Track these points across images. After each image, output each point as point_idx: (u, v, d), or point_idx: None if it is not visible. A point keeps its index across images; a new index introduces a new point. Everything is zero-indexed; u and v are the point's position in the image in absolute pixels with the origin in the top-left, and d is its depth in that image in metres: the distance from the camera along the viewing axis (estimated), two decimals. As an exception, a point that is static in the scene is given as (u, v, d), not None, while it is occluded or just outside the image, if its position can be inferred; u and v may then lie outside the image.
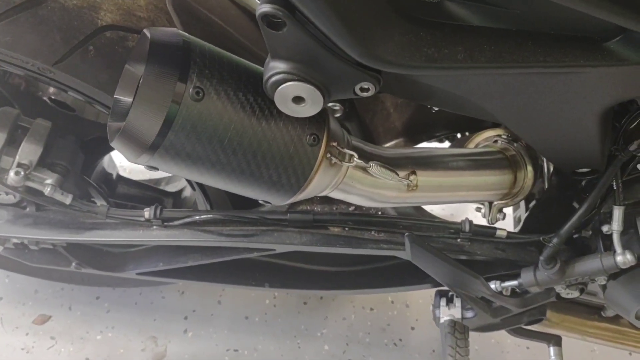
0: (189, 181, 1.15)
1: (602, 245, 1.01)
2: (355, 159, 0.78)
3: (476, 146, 1.08)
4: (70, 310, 1.61)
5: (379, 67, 0.64)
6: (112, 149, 1.28)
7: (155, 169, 0.73)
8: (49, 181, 1.05)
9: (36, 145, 1.05)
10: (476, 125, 1.27)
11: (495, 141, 1.06)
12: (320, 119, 0.74)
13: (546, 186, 1.08)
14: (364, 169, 0.81)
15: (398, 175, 0.82)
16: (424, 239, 1.01)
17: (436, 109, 1.09)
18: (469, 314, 1.13)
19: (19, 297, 1.62)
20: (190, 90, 0.66)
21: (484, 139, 1.08)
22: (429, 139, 1.34)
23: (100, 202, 1.17)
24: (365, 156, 0.81)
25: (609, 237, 1.00)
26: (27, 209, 1.14)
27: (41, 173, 1.05)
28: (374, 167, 0.80)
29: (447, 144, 1.35)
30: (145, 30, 0.70)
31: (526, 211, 1.18)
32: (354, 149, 0.81)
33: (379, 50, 0.62)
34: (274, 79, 0.65)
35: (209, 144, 0.69)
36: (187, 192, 1.44)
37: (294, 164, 0.74)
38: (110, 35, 0.90)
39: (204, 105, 0.67)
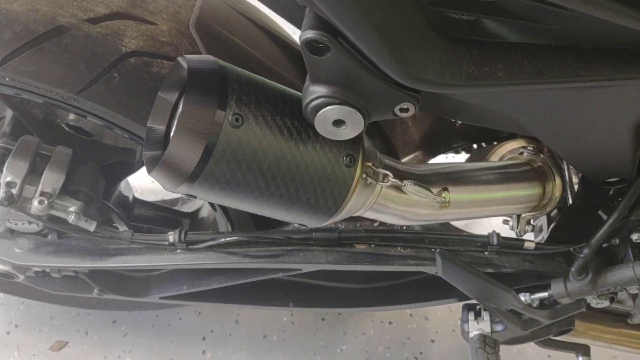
0: (210, 202, 1.14)
1: (632, 254, 1.01)
2: (390, 178, 0.78)
3: (501, 158, 1.07)
4: (86, 335, 1.59)
5: (420, 88, 0.64)
6: (130, 172, 1.27)
7: (194, 197, 0.73)
8: (72, 209, 1.04)
9: (58, 173, 1.04)
10: (493, 136, 1.27)
11: (521, 153, 1.05)
12: (355, 139, 0.74)
13: (570, 197, 1.08)
14: (398, 188, 0.80)
15: (432, 192, 0.82)
16: (453, 254, 1.01)
17: (460, 122, 1.09)
18: (499, 327, 1.12)
19: (34, 324, 1.60)
20: (230, 117, 0.66)
21: (509, 151, 1.07)
22: (446, 150, 1.34)
23: (122, 227, 1.16)
24: (399, 175, 0.81)
25: (638, 245, 1.00)
26: (49, 236, 1.13)
27: (64, 201, 1.04)
28: (409, 186, 0.79)
29: (463, 154, 1.35)
30: (179, 59, 0.70)
31: (547, 220, 1.18)
32: (387, 167, 0.80)
33: (420, 71, 0.62)
34: (314, 103, 0.65)
35: (248, 170, 0.69)
36: (205, 212, 1.43)
37: (332, 186, 0.73)
38: (135, 61, 0.90)
39: (243, 131, 0.67)
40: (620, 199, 0.96)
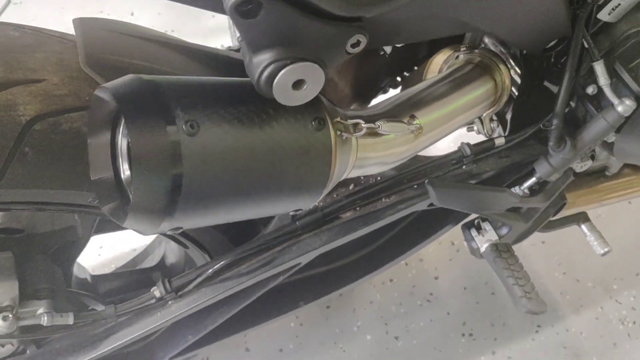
0: (178, 240, 1.06)
1: (593, 107, 1.01)
2: (362, 125, 0.73)
3: (439, 71, 1.05)
4: None
5: (364, 13, 0.59)
6: (80, 251, 1.15)
7: (180, 228, 0.64)
8: (41, 310, 0.93)
9: (9, 281, 0.92)
10: (411, 62, 1.25)
11: (457, 57, 1.03)
12: (314, 101, 0.68)
13: (519, 78, 1.06)
14: (374, 133, 0.76)
15: (405, 123, 0.78)
16: (440, 180, 0.98)
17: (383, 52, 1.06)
18: (504, 231, 1.10)
19: None
20: (184, 127, 0.58)
21: (444, 62, 1.05)
22: (377, 92, 1.31)
23: (99, 307, 1.05)
24: (367, 119, 0.76)
25: (595, 98, 0.99)
26: (27, 351, 1.00)
27: (29, 306, 0.93)
28: (384, 125, 0.75)
29: (392, 92, 1.32)
30: (97, 92, 0.61)
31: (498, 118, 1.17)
32: (353, 117, 0.75)
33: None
34: (267, 72, 0.58)
35: (224, 174, 0.62)
36: (171, 257, 1.34)
37: (311, 156, 0.67)
38: (41, 127, 0.79)
39: (203, 136, 0.59)
40: (563, 60, 0.96)
